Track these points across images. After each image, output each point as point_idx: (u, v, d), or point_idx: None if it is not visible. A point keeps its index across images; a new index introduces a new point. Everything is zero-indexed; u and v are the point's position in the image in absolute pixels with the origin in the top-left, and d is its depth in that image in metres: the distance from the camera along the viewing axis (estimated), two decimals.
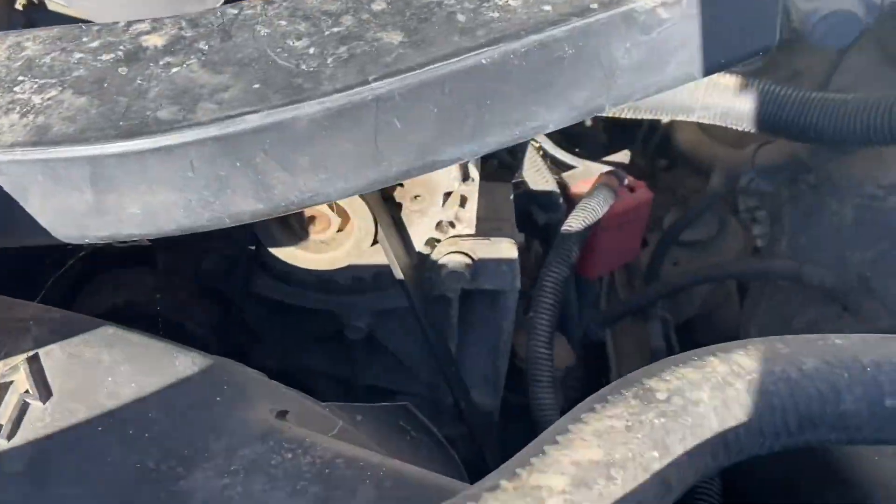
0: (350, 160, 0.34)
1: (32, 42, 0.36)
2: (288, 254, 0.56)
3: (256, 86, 0.32)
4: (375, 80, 0.32)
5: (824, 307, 0.86)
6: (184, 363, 0.43)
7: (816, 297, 0.88)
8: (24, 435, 0.34)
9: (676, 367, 0.35)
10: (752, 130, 0.77)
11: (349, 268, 0.58)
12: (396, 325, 0.67)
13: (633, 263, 1.03)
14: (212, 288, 0.63)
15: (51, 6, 0.60)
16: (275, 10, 0.36)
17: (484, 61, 0.33)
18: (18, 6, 0.60)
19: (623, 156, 0.84)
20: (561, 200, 0.74)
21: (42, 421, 0.38)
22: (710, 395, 0.34)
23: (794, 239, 0.95)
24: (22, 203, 0.32)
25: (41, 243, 0.34)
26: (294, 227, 0.55)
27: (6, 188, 0.31)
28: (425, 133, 0.34)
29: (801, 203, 0.95)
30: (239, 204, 0.33)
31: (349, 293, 0.62)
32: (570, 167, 0.78)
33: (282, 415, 0.44)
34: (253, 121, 0.31)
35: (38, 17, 0.60)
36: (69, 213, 0.33)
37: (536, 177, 0.72)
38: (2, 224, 0.32)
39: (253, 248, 0.57)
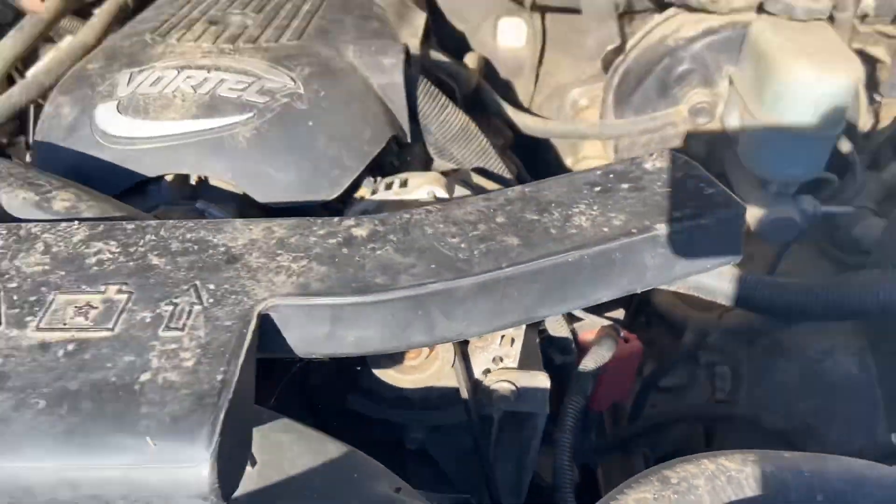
0: (485, 314, 0.54)
1: (278, 227, 0.57)
2: (383, 374, 0.75)
3: (433, 266, 0.53)
4: (506, 266, 0.53)
5: (777, 447, 1.07)
6: (333, 448, 0.60)
7: (770, 439, 1.08)
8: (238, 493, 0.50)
9: (682, 464, 0.54)
10: (718, 301, 1.00)
11: (424, 388, 0.77)
12: (445, 438, 0.84)
13: (620, 403, 1.22)
14: (310, 399, 0.80)
15: (213, 182, 0.81)
16: (433, 216, 0.58)
17: (569, 259, 0.55)
18: (193, 181, 0.81)
19: (618, 313, 1.05)
20: (573, 346, 0.94)
21: (250, 480, 0.54)
22: (704, 482, 0.53)
23: (751, 390, 1.17)
24: (283, 331, 0.51)
25: (284, 356, 0.52)
26: (396, 353, 0.74)
27: (277, 321, 0.51)
28: (531, 299, 0.55)
29: (756, 361, 1.17)
30: (413, 337, 0.53)
31: (416, 409, 0.80)
32: (579, 319, 0.99)
33: (398, 490, 0.61)
34: (434, 288, 0.52)
35: (204, 191, 0.80)
36: (310, 338, 0.52)
37: (555, 325, 0.93)
38: (269, 343, 0.51)
39: (357, 368, 0.75)
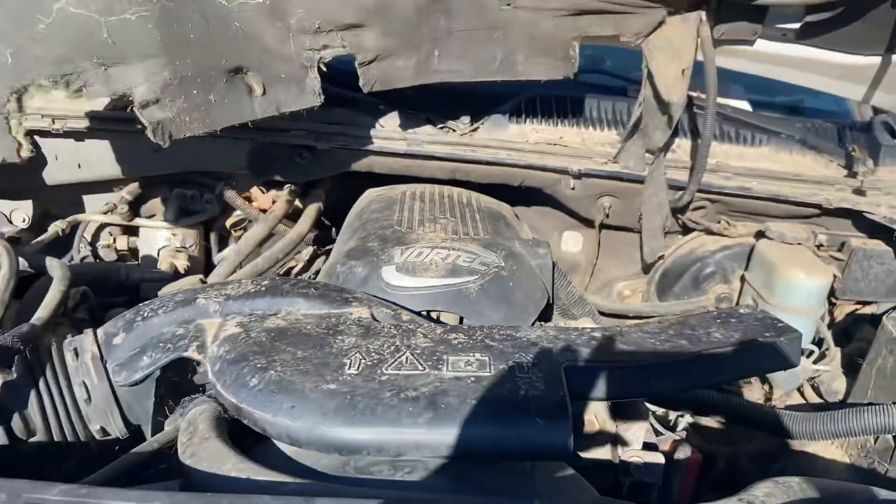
0: (672, 381, 1.00)
1: (552, 330, 1.04)
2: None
3: (651, 352, 1.00)
4: (685, 352, 1.01)
5: None
6: None
7: None
8: None
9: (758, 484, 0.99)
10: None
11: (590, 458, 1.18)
12: None
13: None
14: None
15: (443, 316, 1.28)
16: (634, 332, 1.06)
17: (715, 351, 1.03)
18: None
19: (681, 432, 1.50)
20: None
21: None
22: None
23: None
24: (575, 380, 0.96)
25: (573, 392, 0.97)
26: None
27: (573, 373, 0.96)
28: (694, 378, 1.02)
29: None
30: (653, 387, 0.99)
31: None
32: (660, 433, 1.43)
33: None
34: (655, 361, 0.99)
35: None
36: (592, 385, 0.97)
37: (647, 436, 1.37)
38: (572, 385, 0.96)
39: None
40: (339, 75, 1.56)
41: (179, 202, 1.81)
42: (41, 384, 1.01)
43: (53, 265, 1.28)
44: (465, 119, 1.80)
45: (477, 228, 1.49)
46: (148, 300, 1.14)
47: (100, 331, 1.09)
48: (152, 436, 1.05)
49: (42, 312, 1.16)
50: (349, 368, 0.96)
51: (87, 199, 1.87)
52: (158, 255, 1.75)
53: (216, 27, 1.24)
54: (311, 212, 1.77)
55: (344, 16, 1.36)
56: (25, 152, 1.19)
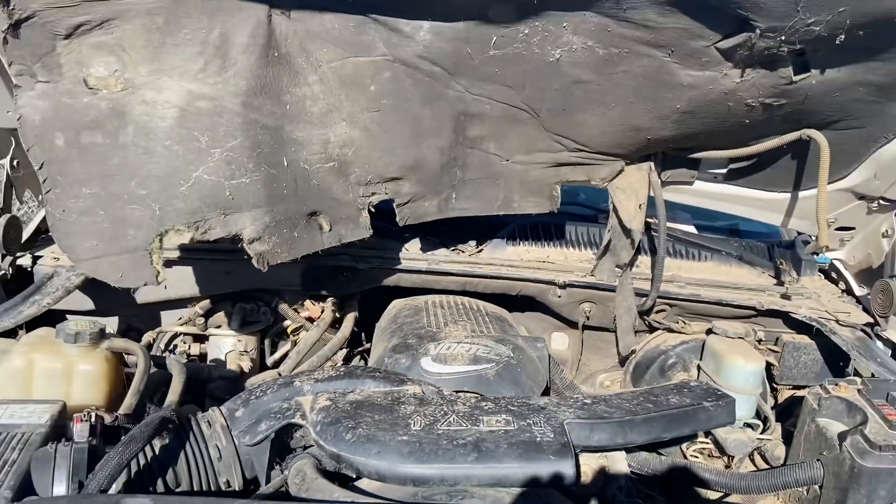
0: (643, 436, 1.41)
1: (549, 400, 1.45)
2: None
3: (628, 412, 1.42)
4: (656, 412, 1.43)
5: None
6: None
7: None
8: None
9: None
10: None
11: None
12: None
13: None
14: None
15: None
16: (610, 400, 1.48)
17: (674, 412, 1.44)
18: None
19: None
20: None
21: None
22: None
23: None
24: (571, 434, 1.37)
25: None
26: None
27: (569, 429, 1.37)
28: (658, 429, 1.43)
29: None
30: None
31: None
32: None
33: None
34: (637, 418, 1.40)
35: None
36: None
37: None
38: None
39: None
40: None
41: (242, 314, 2.23)
42: (187, 447, 1.39)
43: (173, 363, 1.68)
44: (472, 243, 2.27)
45: (488, 328, 1.93)
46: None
47: (223, 407, 1.47)
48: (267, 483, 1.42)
49: (173, 396, 1.55)
50: (413, 426, 1.35)
51: (163, 315, 2.28)
52: (226, 357, 2.14)
53: (301, 184, 1.72)
54: (349, 320, 2.20)
55: (389, 172, 1.85)
56: (161, 278, 1.62)
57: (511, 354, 1.75)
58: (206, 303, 2.22)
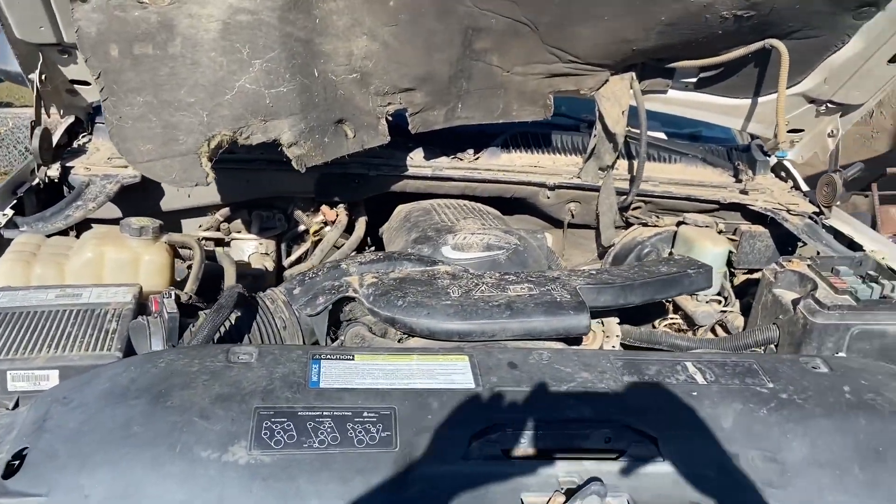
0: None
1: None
2: None
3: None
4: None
5: None
6: None
7: None
8: None
9: None
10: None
11: None
12: None
13: None
14: None
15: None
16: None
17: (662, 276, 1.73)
18: None
19: None
20: None
21: None
22: None
23: None
24: None
25: None
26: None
27: None
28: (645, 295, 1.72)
29: None
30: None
31: None
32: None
33: None
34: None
35: None
36: None
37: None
38: None
39: None
40: None
41: (260, 221, 2.41)
42: (257, 318, 1.61)
43: (223, 256, 1.88)
44: (470, 151, 2.49)
45: (493, 223, 2.17)
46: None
47: (280, 287, 1.70)
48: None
49: (229, 281, 1.76)
50: (453, 294, 1.61)
51: (184, 223, 2.44)
52: (249, 259, 2.34)
53: (329, 93, 1.89)
54: (361, 223, 2.41)
55: (403, 83, 2.04)
56: (210, 179, 1.79)
57: (518, 242, 2.01)
58: (225, 210, 2.40)
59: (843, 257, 2.19)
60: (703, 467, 1.21)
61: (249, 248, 2.36)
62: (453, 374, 1.31)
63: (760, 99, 2.46)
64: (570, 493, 1.14)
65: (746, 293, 2.57)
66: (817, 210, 2.51)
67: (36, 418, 1.18)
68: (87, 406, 1.18)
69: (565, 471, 1.20)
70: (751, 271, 2.63)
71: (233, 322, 1.55)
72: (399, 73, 2.02)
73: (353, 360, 1.32)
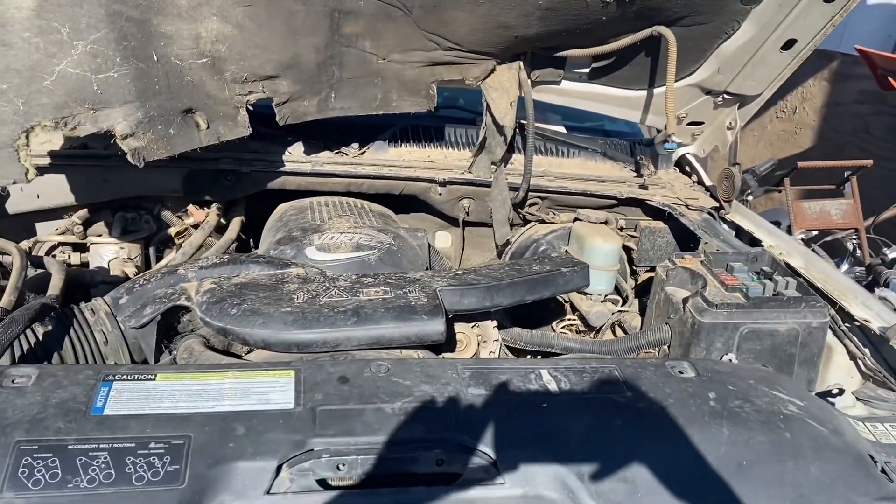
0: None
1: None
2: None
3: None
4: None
5: None
6: None
7: None
8: None
9: None
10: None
11: None
12: None
13: None
14: None
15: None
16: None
17: (537, 278, 1.61)
18: None
19: None
20: None
21: None
22: None
23: None
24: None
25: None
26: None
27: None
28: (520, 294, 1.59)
29: None
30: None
31: None
32: None
33: None
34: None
35: None
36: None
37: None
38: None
39: None
40: (255, 115, 2.05)
41: (123, 223, 2.21)
42: (71, 333, 1.42)
43: (51, 262, 1.67)
44: (355, 145, 2.33)
45: (371, 221, 2.02)
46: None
47: (106, 297, 1.51)
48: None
49: (53, 291, 1.56)
50: (297, 300, 1.45)
51: (38, 226, 2.22)
52: (109, 265, 2.13)
53: (173, 80, 1.71)
54: (235, 223, 2.23)
55: (265, 70, 1.87)
56: (31, 176, 1.59)
57: (392, 242, 1.86)
58: (83, 212, 2.18)
59: (738, 253, 2.10)
60: (549, 489, 1.08)
61: (109, 253, 2.15)
62: (271, 392, 1.15)
63: (656, 90, 2.37)
64: None
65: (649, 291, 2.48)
66: (717, 205, 2.44)
67: None
68: None
69: (392, 502, 1.05)
70: (653, 269, 2.54)
71: (39, 338, 1.36)
72: (259, 58, 1.85)
73: (154, 380, 1.15)
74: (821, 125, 6.31)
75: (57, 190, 2.12)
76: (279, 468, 1.04)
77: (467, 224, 2.51)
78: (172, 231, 2.13)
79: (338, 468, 1.06)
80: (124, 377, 1.14)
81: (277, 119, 1.98)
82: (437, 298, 1.45)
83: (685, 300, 1.84)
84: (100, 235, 2.21)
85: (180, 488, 0.98)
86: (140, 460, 1.00)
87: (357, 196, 2.29)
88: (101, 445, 1.01)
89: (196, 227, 2.20)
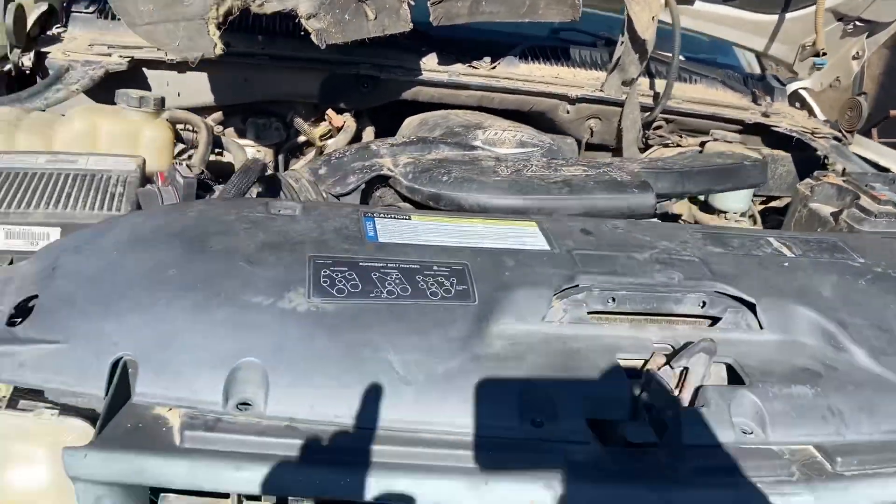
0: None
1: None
2: None
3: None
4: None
5: None
6: None
7: None
8: None
9: None
10: None
11: None
12: None
13: None
14: None
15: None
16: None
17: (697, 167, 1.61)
18: None
19: None
20: None
21: None
22: None
23: None
24: None
25: None
26: None
27: None
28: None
29: None
30: None
31: None
32: None
33: None
34: None
35: None
36: None
37: None
38: None
39: None
40: None
41: (255, 129, 2.20)
42: (280, 196, 1.42)
43: (230, 142, 1.67)
44: (487, 59, 2.32)
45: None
46: None
47: (303, 167, 1.51)
48: None
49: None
50: (503, 172, 1.45)
51: None
52: None
53: None
54: (369, 132, 2.22)
55: None
56: (219, 50, 1.59)
57: (552, 141, 1.86)
58: (218, 115, 2.18)
59: (875, 175, 2.11)
60: (807, 335, 1.09)
61: (248, 153, 2.15)
62: (524, 237, 1.15)
63: (789, 15, 2.35)
64: (669, 357, 1.01)
65: (765, 224, 2.48)
66: (839, 136, 2.43)
67: (43, 268, 0.98)
68: (106, 252, 0.99)
69: (658, 336, 1.06)
70: (768, 199, 2.54)
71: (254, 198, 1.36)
72: None
73: (410, 220, 1.15)
74: None
75: (197, 89, 2.11)
76: (553, 298, 1.04)
77: (588, 146, 2.50)
78: (315, 137, 2.13)
79: (608, 302, 1.06)
80: (382, 215, 1.15)
81: (431, 19, 1.96)
82: (642, 175, 1.46)
83: (836, 214, 1.85)
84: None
85: (474, 305, 0.99)
86: (429, 279, 1.01)
87: (487, 111, 2.28)
88: (390, 265, 1.02)
89: (331, 133, 2.20)
